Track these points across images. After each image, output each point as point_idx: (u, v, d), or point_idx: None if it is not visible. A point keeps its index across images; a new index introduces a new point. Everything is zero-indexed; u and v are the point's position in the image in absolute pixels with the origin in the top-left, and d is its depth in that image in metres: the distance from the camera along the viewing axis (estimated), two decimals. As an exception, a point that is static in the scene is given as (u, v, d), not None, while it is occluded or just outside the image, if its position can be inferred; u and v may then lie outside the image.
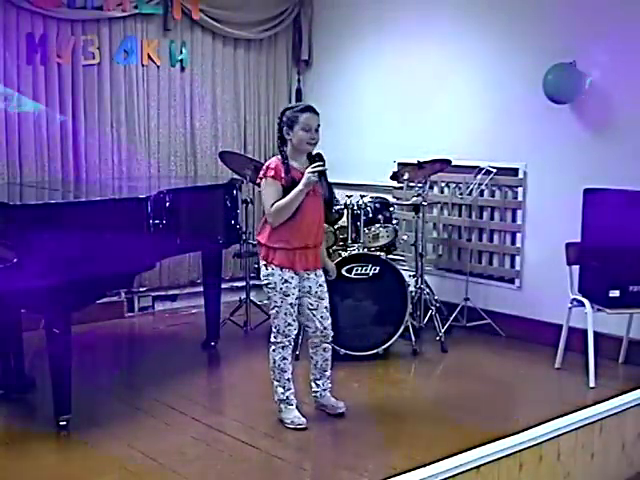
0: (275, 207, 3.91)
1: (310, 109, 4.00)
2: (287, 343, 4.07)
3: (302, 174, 3.93)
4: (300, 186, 3.89)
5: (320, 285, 4.14)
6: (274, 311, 4.05)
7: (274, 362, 4.09)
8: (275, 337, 4.08)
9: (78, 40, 5.94)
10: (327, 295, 4.17)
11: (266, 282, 4.04)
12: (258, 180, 4.08)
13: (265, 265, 4.04)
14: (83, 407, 4.10)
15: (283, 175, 3.93)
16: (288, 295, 4.01)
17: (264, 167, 4.05)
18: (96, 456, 3.75)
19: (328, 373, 4.28)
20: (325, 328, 4.17)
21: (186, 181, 6.03)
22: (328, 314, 4.18)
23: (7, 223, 3.86)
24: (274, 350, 4.09)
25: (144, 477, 3.55)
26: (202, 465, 3.67)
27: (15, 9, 5.63)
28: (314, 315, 4.13)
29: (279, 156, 4.03)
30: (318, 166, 3.91)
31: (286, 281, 4.00)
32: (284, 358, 4.08)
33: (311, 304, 4.11)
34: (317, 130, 3.99)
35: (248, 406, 4.46)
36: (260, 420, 4.18)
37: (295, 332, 4.11)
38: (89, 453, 3.78)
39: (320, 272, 4.17)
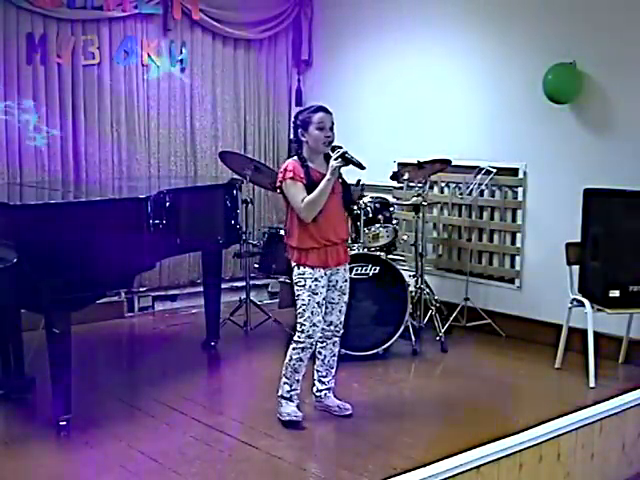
0: (306, 201, 3.93)
1: (322, 109, 4.04)
2: (308, 345, 4.08)
3: (320, 174, 3.98)
4: (328, 175, 3.92)
5: (346, 280, 4.19)
6: (301, 309, 4.05)
7: (290, 359, 4.10)
8: (298, 337, 4.08)
9: (78, 40, 5.94)
10: (348, 290, 4.22)
11: (297, 280, 4.07)
12: (278, 184, 4.07)
13: (297, 265, 4.06)
14: (83, 407, 4.10)
15: (302, 175, 3.97)
16: (317, 294, 4.03)
17: (281, 170, 4.06)
18: (96, 456, 3.74)
19: (334, 371, 4.30)
20: (340, 322, 4.23)
21: (186, 181, 6.03)
22: (345, 310, 4.23)
23: (7, 223, 3.86)
24: (294, 349, 4.09)
25: (144, 477, 3.55)
26: (202, 465, 3.66)
27: (15, 9, 5.63)
28: (333, 309, 4.17)
29: (296, 158, 4.06)
30: (339, 152, 3.94)
31: (316, 279, 4.02)
32: (301, 360, 4.09)
33: (333, 298, 4.15)
34: (332, 129, 4.03)
35: (248, 406, 4.46)
36: (260, 420, 4.18)
37: (319, 334, 4.11)
38: (89, 453, 3.78)
39: (347, 267, 4.22)
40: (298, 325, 4.08)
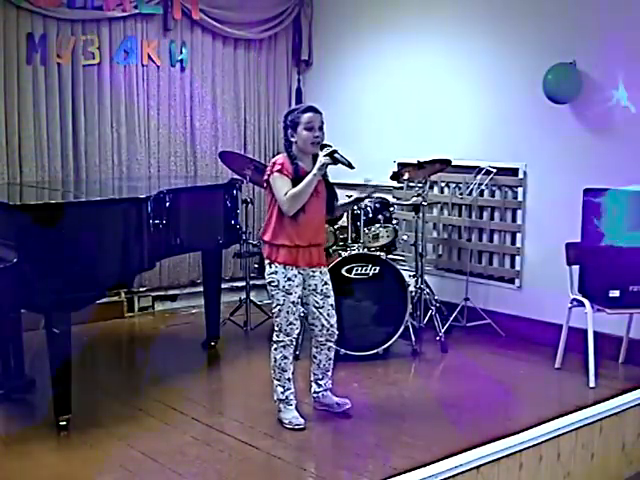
0: (290, 194, 3.91)
1: (311, 109, 4.02)
2: (288, 342, 4.07)
3: (308, 172, 3.95)
4: (314, 170, 3.91)
5: (325, 283, 4.15)
6: (276, 309, 4.04)
7: (275, 361, 4.09)
8: (277, 336, 4.08)
9: (78, 40, 5.94)
10: (332, 293, 4.18)
11: (269, 280, 4.04)
12: (265, 177, 4.05)
13: (269, 263, 4.04)
14: (83, 407, 4.10)
15: (290, 170, 3.96)
16: (290, 293, 4.01)
17: (270, 163, 4.06)
18: (96, 456, 3.74)
19: (330, 373, 4.29)
20: (331, 326, 4.18)
21: (186, 181, 6.02)
22: (334, 312, 4.19)
23: (7, 223, 3.86)
24: (275, 349, 4.09)
25: (144, 477, 3.55)
26: (202, 465, 3.66)
27: (15, 9, 5.63)
28: (320, 313, 4.14)
29: (285, 154, 4.05)
30: (329, 150, 3.93)
31: (289, 279, 4.00)
32: (285, 357, 4.08)
33: (317, 302, 4.12)
34: (321, 129, 4.01)
35: (248, 406, 4.46)
36: (260, 420, 4.18)
37: (297, 331, 4.10)
38: (89, 453, 3.78)
39: (325, 270, 4.18)
40: (275, 325, 4.08)
